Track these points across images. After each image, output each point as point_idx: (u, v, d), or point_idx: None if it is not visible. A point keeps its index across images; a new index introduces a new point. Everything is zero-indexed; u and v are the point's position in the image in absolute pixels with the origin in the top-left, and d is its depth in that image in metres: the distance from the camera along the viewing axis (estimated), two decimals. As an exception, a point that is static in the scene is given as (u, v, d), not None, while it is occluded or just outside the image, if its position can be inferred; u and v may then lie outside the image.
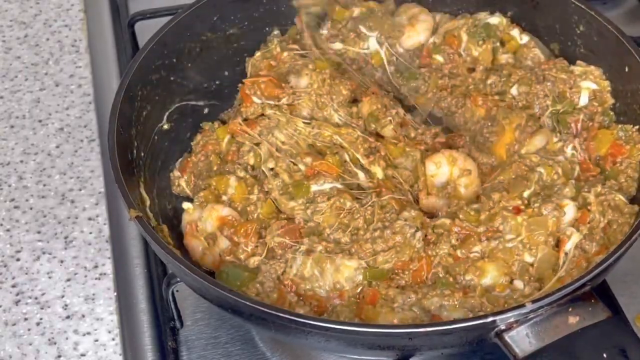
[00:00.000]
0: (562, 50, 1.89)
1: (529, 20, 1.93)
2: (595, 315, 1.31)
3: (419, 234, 1.54)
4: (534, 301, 1.30)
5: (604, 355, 1.24)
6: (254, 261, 1.55)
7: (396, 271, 1.52)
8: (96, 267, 1.82)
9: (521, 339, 1.30)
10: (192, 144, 1.81)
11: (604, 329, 1.29)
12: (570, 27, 1.85)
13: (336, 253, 1.52)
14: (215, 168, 1.73)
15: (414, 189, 1.68)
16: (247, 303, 1.34)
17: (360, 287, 1.50)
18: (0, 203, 1.94)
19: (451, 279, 1.51)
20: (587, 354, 1.26)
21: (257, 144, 1.70)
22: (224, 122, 1.84)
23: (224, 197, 1.66)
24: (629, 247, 1.40)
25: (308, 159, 1.64)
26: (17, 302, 1.75)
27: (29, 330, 1.71)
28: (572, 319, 1.30)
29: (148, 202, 1.64)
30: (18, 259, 1.83)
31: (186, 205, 1.69)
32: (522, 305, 1.30)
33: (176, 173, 1.77)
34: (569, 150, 1.69)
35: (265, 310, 1.33)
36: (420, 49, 1.92)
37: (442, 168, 1.68)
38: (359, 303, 1.49)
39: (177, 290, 1.66)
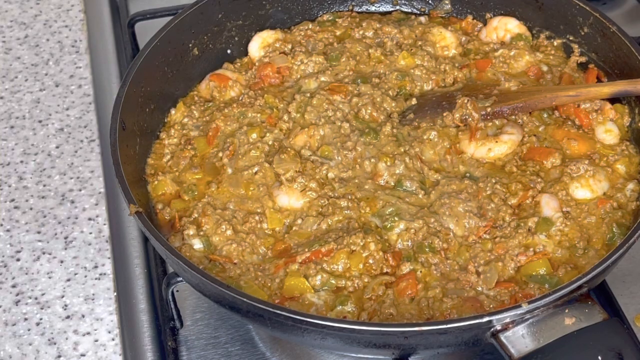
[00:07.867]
0: (566, 51, 1.90)
1: (534, 20, 1.94)
2: (591, 317, 1.31)
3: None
4: (530, 302, 1.30)
5: (599, 358, 1.24)
6: None
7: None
8: (96, 267, 1.82)
9: (517, 340, 1.30)
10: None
11: (601, 331, 1.29)
12: (575, 29, 1.86)
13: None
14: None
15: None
16: (245, 299, 1.35)
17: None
18: (0, 203, 1.94)
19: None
20: (583, 356, 1.26)
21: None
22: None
23: None
24: (627, 250, 1.40)
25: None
26: (17, 302, 1.76)
27: (29, 330, 1.71)
28: (568, 321, 1.30)
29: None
30: (18, 259, 1.83)
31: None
32: (518, 306, 1.30)
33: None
34: None
35: (262, 307, 1.34)
36: None
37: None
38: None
39: (177, 290, 1.67)
